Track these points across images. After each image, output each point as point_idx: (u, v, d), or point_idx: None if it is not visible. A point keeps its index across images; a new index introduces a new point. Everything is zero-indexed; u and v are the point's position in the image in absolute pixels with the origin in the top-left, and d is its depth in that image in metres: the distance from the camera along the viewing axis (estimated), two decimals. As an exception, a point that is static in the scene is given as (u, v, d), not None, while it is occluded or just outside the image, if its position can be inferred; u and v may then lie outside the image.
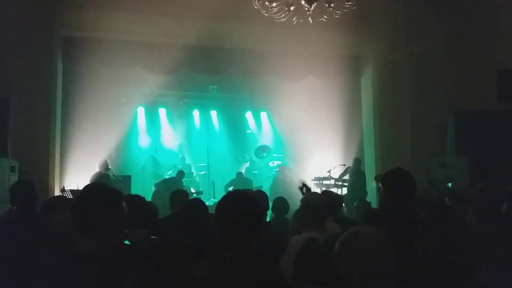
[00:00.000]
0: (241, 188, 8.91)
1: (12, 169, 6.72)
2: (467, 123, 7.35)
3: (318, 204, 3.02)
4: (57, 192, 7.92)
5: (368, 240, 1.77)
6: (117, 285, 1.95)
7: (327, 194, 4.45)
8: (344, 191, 9.11)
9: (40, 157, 7.74)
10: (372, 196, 8.26)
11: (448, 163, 7.48)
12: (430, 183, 6.66)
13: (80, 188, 7.56)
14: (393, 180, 2.86)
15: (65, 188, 7.69)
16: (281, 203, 4.64)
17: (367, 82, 9.88)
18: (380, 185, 3.00)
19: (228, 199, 2.10)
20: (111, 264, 2.01)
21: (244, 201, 2.03)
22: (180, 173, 9.70)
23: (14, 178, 6.61)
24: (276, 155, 11.90)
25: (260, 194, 4.40)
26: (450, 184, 6.34)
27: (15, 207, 3.78)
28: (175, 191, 4.69)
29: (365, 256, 1.72)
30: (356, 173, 8.98)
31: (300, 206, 3.23)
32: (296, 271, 2.39)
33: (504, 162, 6.37)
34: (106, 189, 2.33)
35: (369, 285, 1.70)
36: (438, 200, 4.32)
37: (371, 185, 8.98)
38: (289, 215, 4.59)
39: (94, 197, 2.18)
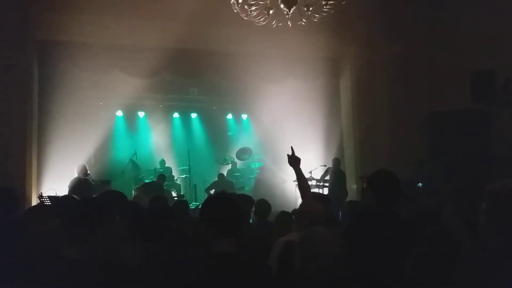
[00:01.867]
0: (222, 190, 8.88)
1: (-13, 177, 6.54)
2: (443, 123, 7.51)
3: (317, 213, 3.05)
4: (34, 199, 7.76)
5: (321, 239, 2.00)
6: None
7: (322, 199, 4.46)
8: (326, 191, 9.19)
9: (17, 164, 7.54)
10: (352, 196, 8.38)
11: (425, 163, 7.63)
12: (406, 184, 6.75)
13: (58, 194, 7.42)
14: (378, 181, 2.91)
15: (43, 195, 7.53)
16: (263, 206, 4.65)
17: (346, 83, 10.01)
18: (364, 185, 3.05)
19: (213, 197, 2.38)
20: (99, 272, 2.04)
21: (226, 196, 2.30)
22: (161, 177, 9.61)
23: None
24: (257, 157, 11.92)
25: (244, 197, 4.39)
26: (420, 184, 6.44)
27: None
28: (154, 196, 4.66)
29: (317, 253, 1.95)
30: (336, 173, 9.08)
31: (298, 211, 3.28)
32: (278, 272, 2.45)
33: (479, 161, 6.54)
34: (99, 201, 2.40)
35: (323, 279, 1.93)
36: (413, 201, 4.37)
37: (352, 185, 9.10)
38: (270, 217, 4.62)
39: (88, 208, 2.25)
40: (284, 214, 4.24)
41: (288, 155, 3.51)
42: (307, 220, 2.99)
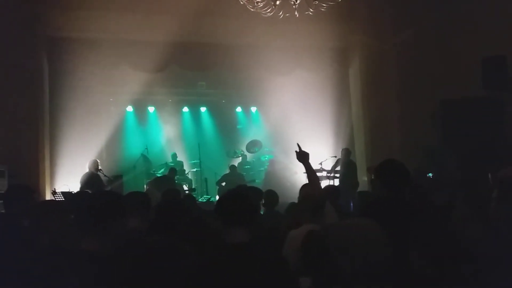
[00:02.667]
0: (233, 183, 8.93)
1: (2, 174, 6.67)
2: (454, 111, 7.43)
3: (316, 198, 3.05)
4: (48, 195, 7.87)
5: (366, 233, 1.69)
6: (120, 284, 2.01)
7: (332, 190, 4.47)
8: (336, 182, 9.15)
9: (30, 160, 7.66)
10: (363, 187, 8.34)
11: (436, 151, 7.56)
12: (417, 173, 6.69)
13: (72, 190, 7.53)
14: (386, 172, 2.89)
15: (56, 191, 7.65)
16: (270, 196, 4.67)
17: (355, 73, 9.91)
18: (373, 176, 3.03)
19: (230, 191, 2.48)
20: (114, 263, 2.08)
21: (243, 191, 2.44)
22: (172, 171, 9.67)
23: (3, 183, 6.55)
24: (267, 149, 11.93)
25: (254, 190, 4.42)
26: (430, 175, 6.36)
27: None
28: (166, 190, 4.70)
29: (361, 250, 1.63)
30: (346, 164, 9.01)
31: (298, 199, 3.27)
32: (304, 260, 2.42)
33: (491, 149, 6.46)
34: (106, 192, 2.43)
35: (364, 280, 1.62)
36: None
37: (363, 176, 9.05)
38: (279, 208, 4.64)
39: (96, 199, 2.28)
40: (294, 205, 4.24)
41: (296, 151, 3.52)
42: (311, 206, 2.98)
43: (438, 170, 6.58)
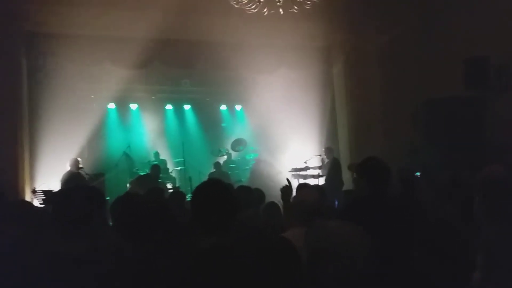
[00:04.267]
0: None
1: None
2: (437, 110, 7.50)
3: (313, 203, 3.01)
4: (28, 194, 7.70)
5: (345, 238, 1.66)
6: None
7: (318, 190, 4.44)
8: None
9: (9, 158, 7.47)
10: (348, 186, 8.38)
11: (420, 150, 7.63)
12: (400, 172, 6.71)
13: (52, 188, 7.37)
14: (367, 170, 2.89)
15: (36, 189, 7.48)
16: (258, 196, 4.61)
17: (339, 72, 9.95)
18: (354, 174, 3.02)
19: (204, 185, 2.22)
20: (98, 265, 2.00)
21: (218, 186, 2.16)
22: (155, 168, 9.50)
23: (-19, 181, 6.36)
24: (252, 148, 11.89)
25: (245, 190, 4.34)
26: (418, 174, 6.40)
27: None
28: (150, 189, 4.61)
29: (340, 255, 1.61)
30: (331, 162, 9.05)
31: (294, 202, 3.24)
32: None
33: (473, 148, 6.54)
34: (88, 190, 2.33)
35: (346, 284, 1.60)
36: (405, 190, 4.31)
37: (346, 174, 9.09)
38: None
39: (77, 198, 2.17)
40: (272, 205, 4.18)
41: (285, 186, 3.53)
42: (304, 211, 2.94)
43: (422, 169, 6.63)
